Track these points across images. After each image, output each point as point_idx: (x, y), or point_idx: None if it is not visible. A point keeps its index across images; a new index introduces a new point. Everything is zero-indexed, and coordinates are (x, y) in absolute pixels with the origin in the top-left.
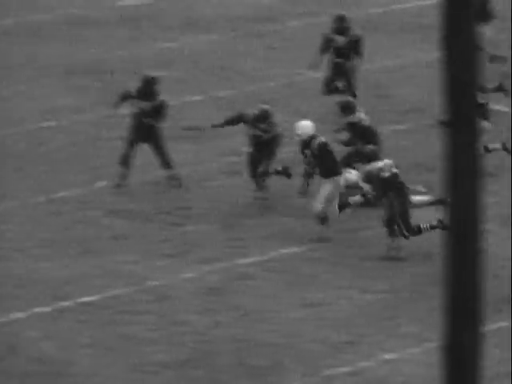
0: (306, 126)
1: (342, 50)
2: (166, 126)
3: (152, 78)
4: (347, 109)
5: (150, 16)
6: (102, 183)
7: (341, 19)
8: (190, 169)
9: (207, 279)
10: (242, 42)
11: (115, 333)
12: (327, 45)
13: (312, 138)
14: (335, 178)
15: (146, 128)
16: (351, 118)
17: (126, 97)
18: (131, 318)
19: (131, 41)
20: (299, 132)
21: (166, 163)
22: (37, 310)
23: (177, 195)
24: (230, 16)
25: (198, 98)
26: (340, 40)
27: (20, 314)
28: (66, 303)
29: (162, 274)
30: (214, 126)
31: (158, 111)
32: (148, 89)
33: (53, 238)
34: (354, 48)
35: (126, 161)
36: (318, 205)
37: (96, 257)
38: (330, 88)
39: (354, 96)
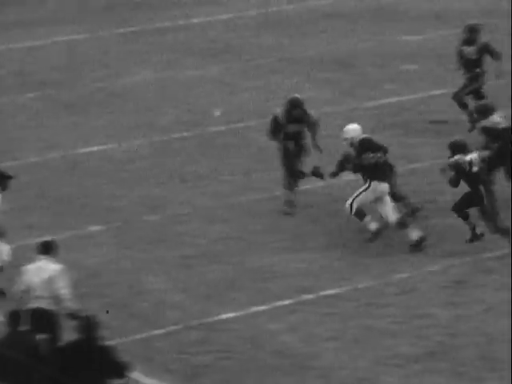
0: (353, 129)
1: (473, 61)
2: (412, 120)
3: (298, 99)
4: (482, 112)
5: (395, 8)
6: (349, 176)
7: (470, 29)
8: (434, 162)
9: (452, 272)
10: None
11: (359, 325)
12: (460, 57)
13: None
14: (375, 182)
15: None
16: (485, 122)
17: (277, 125)
18: (376, 311)
19: (376, 33)
20: (347, 136)
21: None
22: (279, 302)
23: (423, 188)
24: (475, 10)
25: (442, 91)
26: (469, 50)
27: (262, 307)
28: (308, 296)
29: (408, 267)
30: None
31: (310, 129)
32: (295, 112)
33: (297, 230)
34: (484, 55)
35: (291, 185)
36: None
37: (340, 249)
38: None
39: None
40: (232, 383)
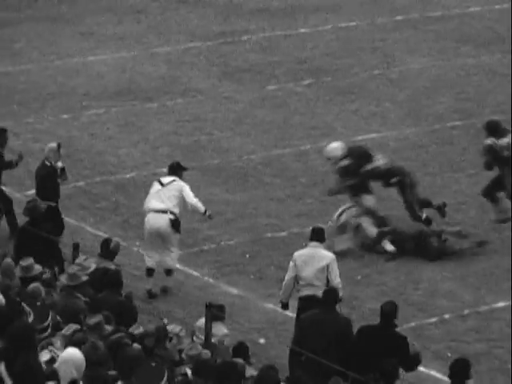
0: (335, 148)
1: None
2: None
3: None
4: (492, 130)
5: None
6: None
7: None
8: None
9: None
10: None
11: None
12: None
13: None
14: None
15: None
16: (492, 140)
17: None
18: None
19: None
20: (329, 155)
21: None
22: None
23: None
24: None
25: None
26: None
27: None
28: None
29: None
30: None
31: None
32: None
33: None
34: None
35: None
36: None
37: None
38: None
39: None
40: (506, 372)
